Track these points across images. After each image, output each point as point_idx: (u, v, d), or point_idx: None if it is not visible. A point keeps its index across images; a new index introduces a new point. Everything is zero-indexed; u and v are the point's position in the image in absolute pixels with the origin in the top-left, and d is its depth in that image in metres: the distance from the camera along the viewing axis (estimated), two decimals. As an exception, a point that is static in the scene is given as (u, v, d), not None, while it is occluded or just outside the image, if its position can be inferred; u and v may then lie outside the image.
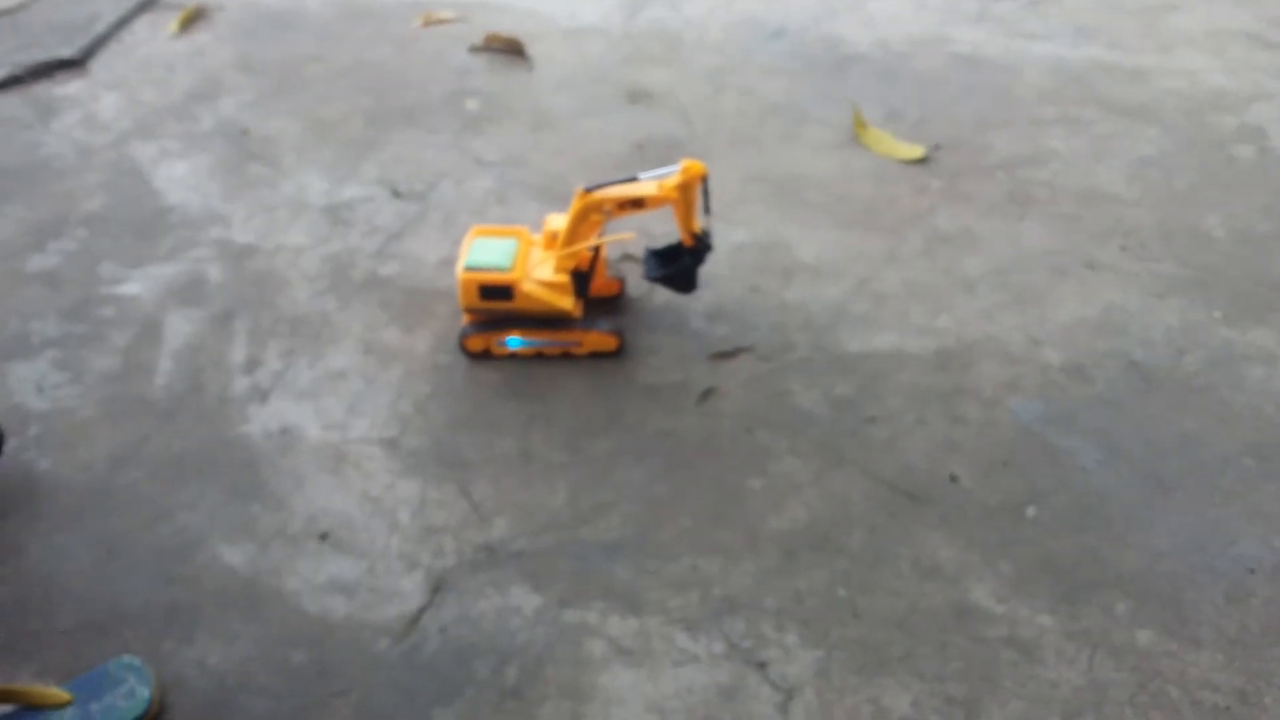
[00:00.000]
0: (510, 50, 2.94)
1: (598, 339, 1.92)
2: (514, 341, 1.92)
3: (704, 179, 1.73)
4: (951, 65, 2.83)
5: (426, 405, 1.85)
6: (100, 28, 3.03)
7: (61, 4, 3.17)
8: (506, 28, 3.03)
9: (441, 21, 3.11)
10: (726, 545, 1.62)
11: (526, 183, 2.41)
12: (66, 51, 2.92)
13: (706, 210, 1.78)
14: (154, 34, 3.07)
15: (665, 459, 1.75)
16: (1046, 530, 1.63)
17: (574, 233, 1.82)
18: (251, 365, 1.93)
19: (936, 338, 1.97)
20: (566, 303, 1.88)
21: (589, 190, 1.77)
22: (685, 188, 1.73)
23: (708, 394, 1.87)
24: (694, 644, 1.48)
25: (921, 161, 2.45)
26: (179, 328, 2.02)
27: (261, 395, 1.87)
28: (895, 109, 2.64)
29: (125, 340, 1.99)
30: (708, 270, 1.91)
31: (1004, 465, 1.73)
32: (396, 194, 2.38)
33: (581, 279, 1.90)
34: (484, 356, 1.94)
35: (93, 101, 2.75)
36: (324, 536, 1.63)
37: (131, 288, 2.12)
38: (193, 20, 3.13)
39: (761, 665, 1.45)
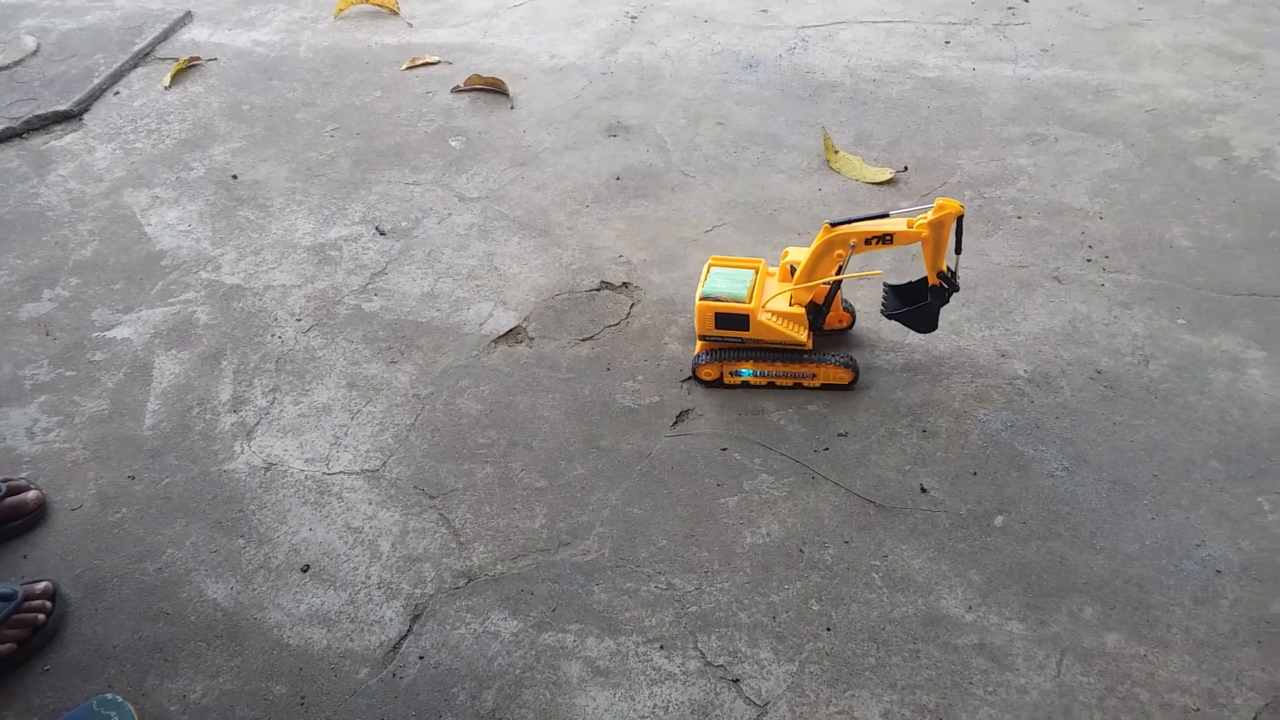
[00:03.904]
0: (493, 89, 3.01)
1: (833, 372, 1.91)
2: (747, 371, 1.93)
3: (959, 218, 1.69)
4: (920, 90, 2.88)
5: (408, 436, 1.89)
6: (96, 81, 3.11)
7: (59, 59, 3.26)
8: (489, 69, 3.10)
9: (426, 64, 3.18)
10: (702, 563, 1.65)
11: (509, 216, 2.47)
12: (63, 105, 3.00)
13: (958, 250, 1.74)
14: (148, 86, 3.14)
15: (641, 480, 1.79)
16: (1015, 538, 1.65)
17: (814, 267, 1.81)
18: (238, 403, 1.98)
19: (906, 353, 2.01)
20: (801, 335, 1.89)
21: (835, 225, 1.74)
22: (939, 225, 1.70)
23: (683, 415, 1.90)
24: (669, 662, 1.51)
25: (890, 183, 2.49)
26: (168, 368, 2.07)
27: (247, 432, 1.92)
28: (866, 134, 2.70)
29: (115, 382, 2.04)
30: (683, 296, 1.94)
31: (973, 475, 1.76)
32: (381, 232, 2.44)
33: (816, 312, 1.90)
34: (716, 384, 1.96)
35: (87, 153, 2.82)
36: (306, 569, 1.67)
37: (122, 331, 2.17)
38: (185, 72, 3.21)
39: (735, 681, 1.48)
